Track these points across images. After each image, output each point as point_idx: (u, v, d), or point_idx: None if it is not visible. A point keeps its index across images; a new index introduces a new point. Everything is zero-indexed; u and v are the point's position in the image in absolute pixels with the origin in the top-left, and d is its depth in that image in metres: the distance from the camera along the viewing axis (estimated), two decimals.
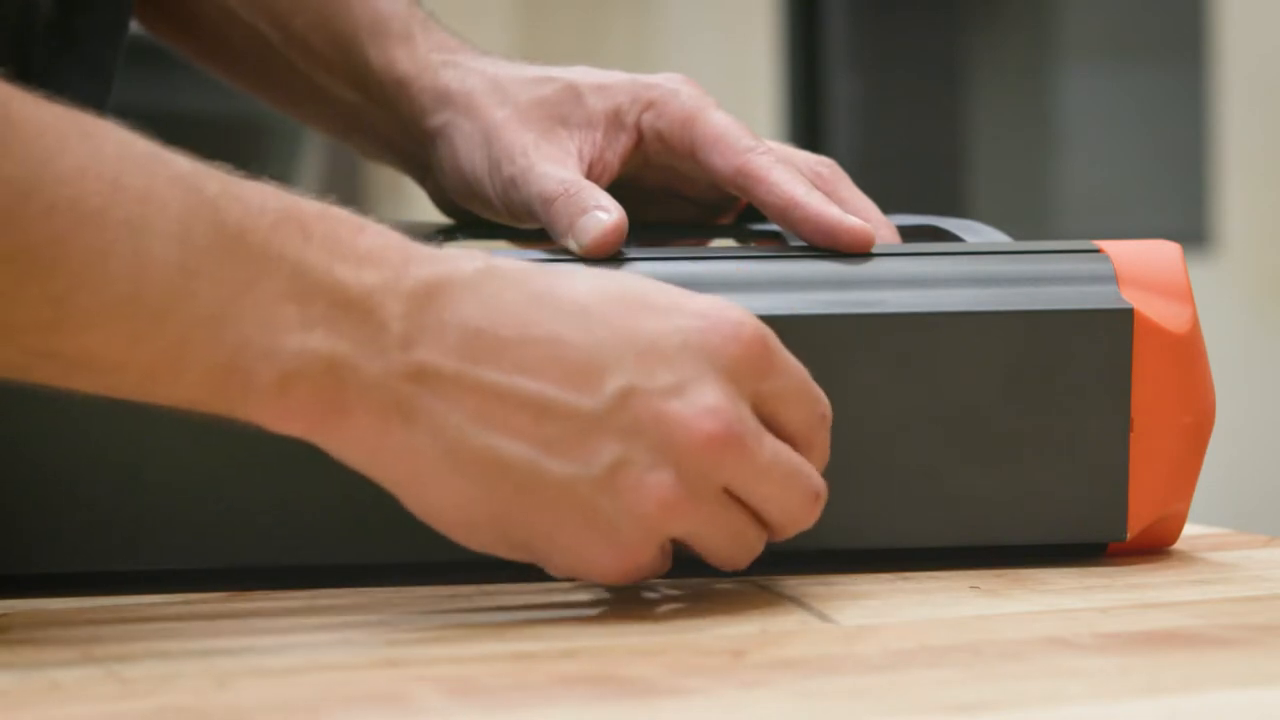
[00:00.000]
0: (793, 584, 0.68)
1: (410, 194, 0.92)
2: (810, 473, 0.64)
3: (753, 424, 0.62)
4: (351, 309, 0.60)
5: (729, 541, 0.63)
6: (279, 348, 0.59)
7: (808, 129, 2.65)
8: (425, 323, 0.60)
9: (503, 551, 0.62)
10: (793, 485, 0.63)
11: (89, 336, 0.58)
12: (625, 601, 0.64)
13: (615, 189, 0.78)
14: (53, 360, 0.59)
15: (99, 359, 0.58)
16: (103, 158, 0.58)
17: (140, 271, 0.58)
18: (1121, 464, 0.71)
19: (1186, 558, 0.73)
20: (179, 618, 0.65)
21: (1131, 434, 0.71)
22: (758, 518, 0.64)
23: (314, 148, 1.64)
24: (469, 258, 0.62)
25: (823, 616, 0.63)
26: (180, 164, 0.59)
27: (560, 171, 0.75)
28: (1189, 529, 0.76)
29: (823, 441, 0.65)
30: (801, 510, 0.64)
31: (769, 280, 0.70)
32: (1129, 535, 0.71)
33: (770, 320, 0.67)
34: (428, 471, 0.61)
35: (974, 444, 0.70)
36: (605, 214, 0.71)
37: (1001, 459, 0.70)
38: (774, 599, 0.66)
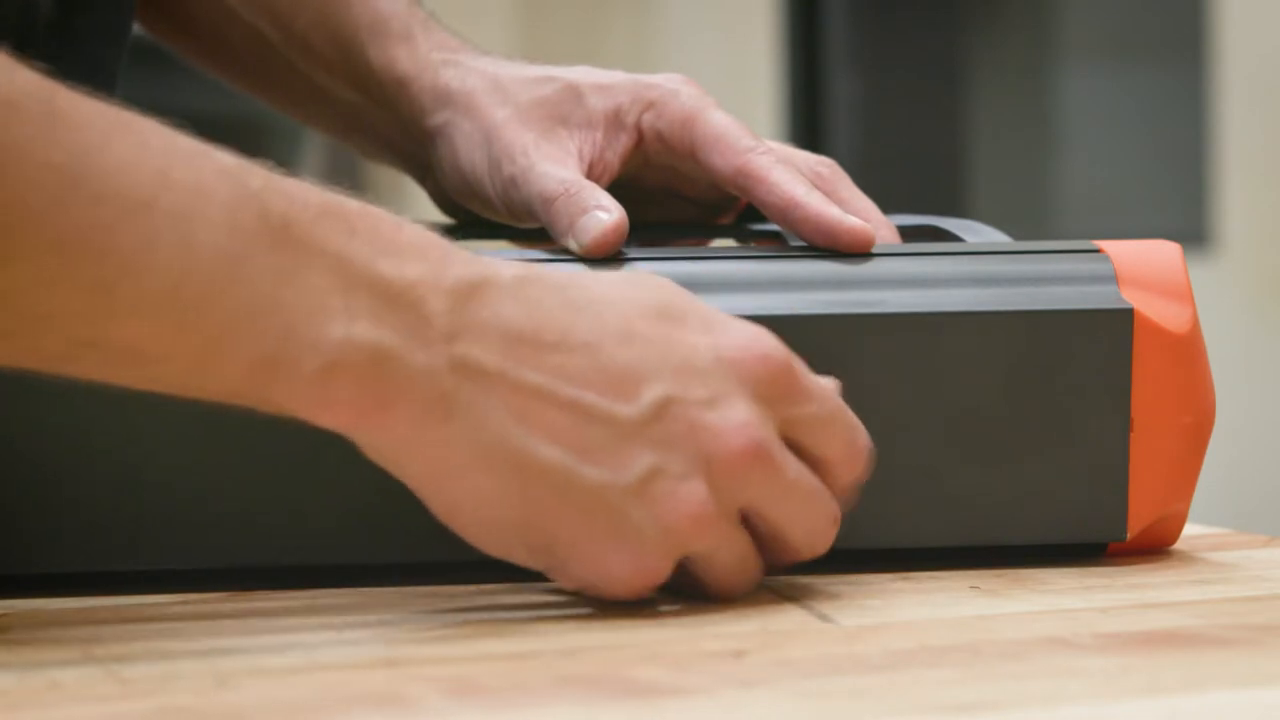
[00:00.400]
0: (793, 584, 0.68)
1: (410, 194, 0.92)
2: (829, 498, 0.65)
3: (779, 443, 0.63)
4: (395, 301, 0.60)
5: (738, 565, 0.64)
6: (323, 337, 0.59)
7: (808, 129, 2.65)
8: (468, 320, 0.61)
9: (519, 557, 0.62)
10: (814, 507, 0.64)
11: (134, 325, 0.58)
12: (625, 602, 0.64)
13: (615, 189, 0.78)
14: (96, 350, 0.58)
15: (144, 349, 0.58)
16: (149, 150, 0.58)
17: (187, 260, 0.58)
18: (1121, 464, 0.71)
19: (1186, 558, 0.73)
20: (179, 618, 0.65)
21: (1131, 434, 0.71)
22: (779, 537, 0.64)
23: (314, 148, 1.64)
24: (506, 262, 0.62)
25: (823, 616, 0.63)
26: (224, 158, 0.60)
27: (560, 171, 0.75)
28: (1189, 529, 0.76)
29: (850, 474, 0.65)
30: (823, 531, 0.65)
31: (769, 280, 0.70)
32: (1129, 535, 0.71)
33: (770, 320, 0.67)
34: (461, 468, 0.61)
35: (974, 444, 0.70)
36: (605, 214, 0.71)
37: (1001, 459, 0.70)
38: (774, 599, 0.66)
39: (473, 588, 0.68)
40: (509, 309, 0.61)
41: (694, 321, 0.63)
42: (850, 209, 0.76)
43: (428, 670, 0.56)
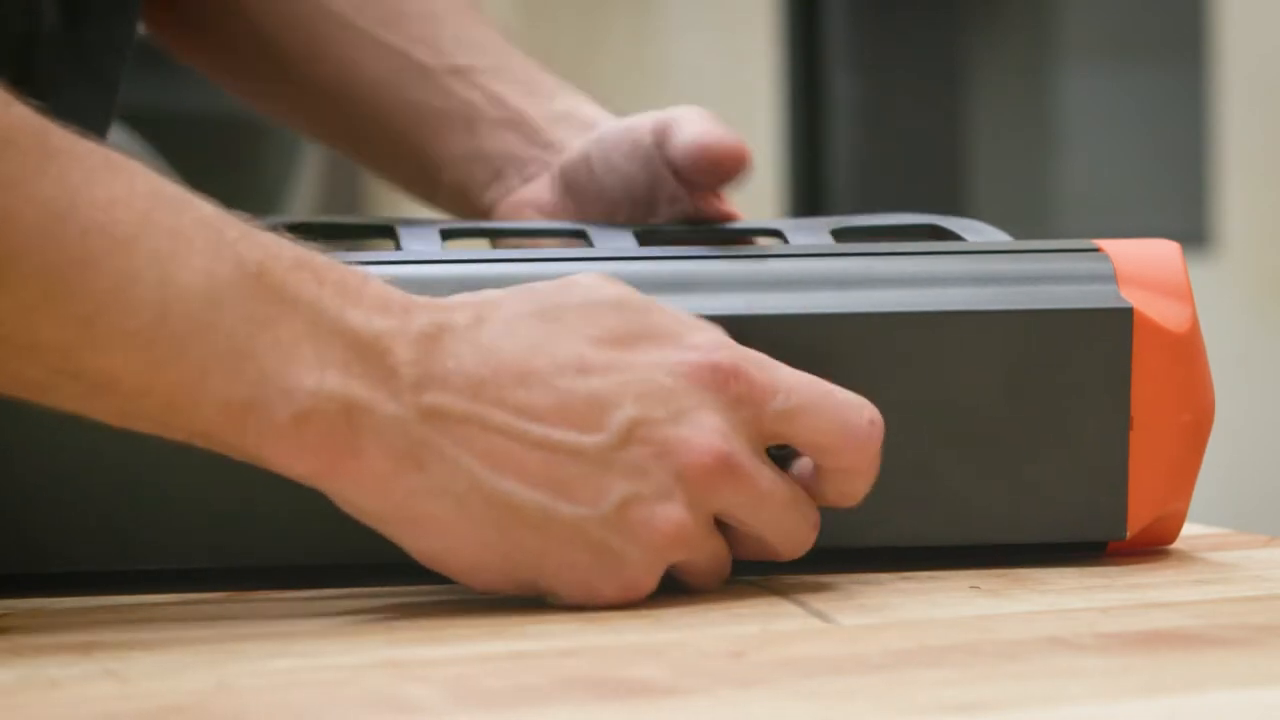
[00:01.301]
0: (793, 584, 0.68)
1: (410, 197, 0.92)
2: (805, 501, 0.65)
3: (748, 453, 0.64)
4: (364, 351, 0.61)
5: (714, 568, 0.65)
6: (296, 386, 0.60)
7: (808, 129, 2.66)
8: (433, 368, 0.62)
9: (507, 589, 0.64)
10: (788, 514, 0.65)
11: (112, 360, 0.59)
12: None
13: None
14: (75, 381, 0.60)
15: (120, 383, 0.60)
16: (134, 192, 0.60)
17: (165, 300, 0.59)
18: (1121, 463, 0.71)
19: (1186, 558, 0.73)
20: (179, 618, 0.65)
21: (1131, 433, 0.71)
22: (756, 539, 0.65)
23: (314, 148, 1.64)
24: (461, 307, 0.63)
25: (823, 616, 0.63)
26: (204, 208, 0.62)
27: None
28: (1189, 529, 0.76)
29: (852, 457, 0.65)
30: (800, 536, 0.66)
31: (769, 280, 0.70)
32: (1128, 534, 0.71)
33: (770, 320, 0.67)
34: (437, 515, 0.62)
35: (973, 443, 0.70)
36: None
37: (1001, 458, 0.70)
38: (774, 599, 0.66)
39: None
40: (468, 353, 0.62)
41: (645, 341, 0.64)
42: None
43: (428, 670, 0.56)
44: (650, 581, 0.63)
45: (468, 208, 0.89)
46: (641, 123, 0.80)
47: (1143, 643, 0.58)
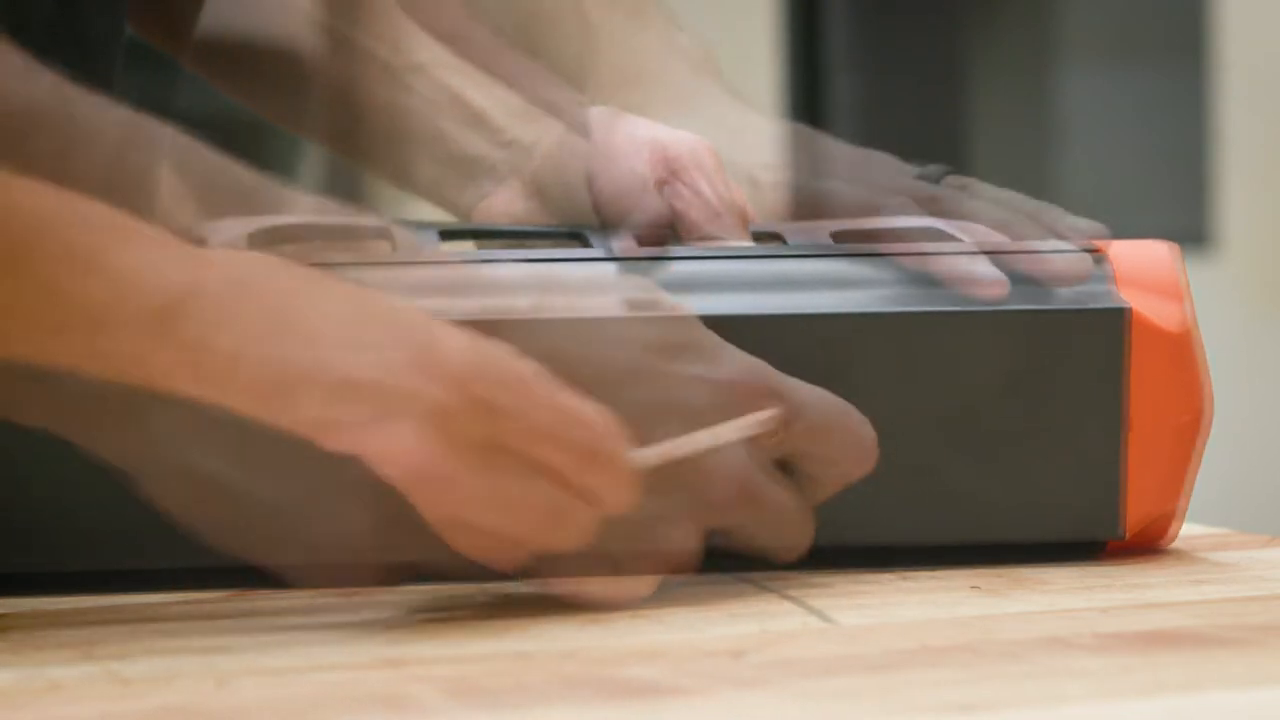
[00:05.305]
0: (793, 584, 0.68)
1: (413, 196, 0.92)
2: (805, 515, 0.66)
3: (764, 474, 0.65)
4: (412, 337, 0.60)
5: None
6: (328, 364, 0.59)
7: (808, 129, 2.65)
8: (485, 357, 0.61)
9: (500, 567, 0.63)
10: (791, 526, 0.66)
11: (137, 342, 0.58)
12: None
13: None
14: (104, 360, 0.59)
15: (144, 358, 0.59)
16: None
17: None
18: (1118, 462, 0.71)
19: (1186, 558, 0.73)
20: (179, 618, 0.65)
21: (1127, 432, 0.71)
22: (757, 547, 0.66)
23: (314, 148, 1.63)
24: (523, 292, 0.63)
25: (823, 616, 0.63)
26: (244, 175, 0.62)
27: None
28: (1189, 529, 0.76)
29: (854, 469, 0.67)
30: (797, 545, 0.67)
31: (769, 280, 0.70)
32: (1125, 533, 0.71)
33: (770, 320, 0.67)
34: (455, 491, 0.61)
35: (971, 442, 0.70)
36: None
37: (998, 457, 0.70)
38: (774, 599, 0.66)
39: (472, 588, 0.68)
40: (523, 347, 0.61)
41: (690, 352, 0.64)
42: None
43: (428, 670, 0.56)
44: (641, 589, 0.64)
45: (446, 207, 0.88)
46: (631, 149, 0.80)
47: (1142, 643, 0.58)
